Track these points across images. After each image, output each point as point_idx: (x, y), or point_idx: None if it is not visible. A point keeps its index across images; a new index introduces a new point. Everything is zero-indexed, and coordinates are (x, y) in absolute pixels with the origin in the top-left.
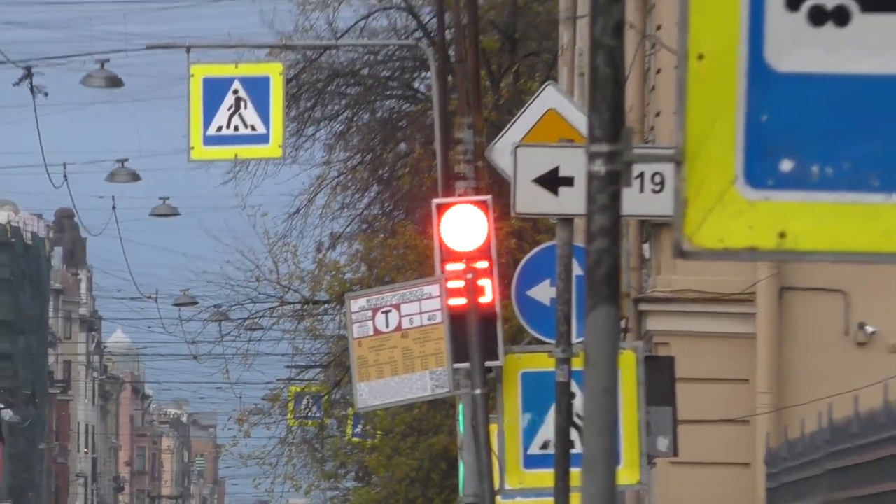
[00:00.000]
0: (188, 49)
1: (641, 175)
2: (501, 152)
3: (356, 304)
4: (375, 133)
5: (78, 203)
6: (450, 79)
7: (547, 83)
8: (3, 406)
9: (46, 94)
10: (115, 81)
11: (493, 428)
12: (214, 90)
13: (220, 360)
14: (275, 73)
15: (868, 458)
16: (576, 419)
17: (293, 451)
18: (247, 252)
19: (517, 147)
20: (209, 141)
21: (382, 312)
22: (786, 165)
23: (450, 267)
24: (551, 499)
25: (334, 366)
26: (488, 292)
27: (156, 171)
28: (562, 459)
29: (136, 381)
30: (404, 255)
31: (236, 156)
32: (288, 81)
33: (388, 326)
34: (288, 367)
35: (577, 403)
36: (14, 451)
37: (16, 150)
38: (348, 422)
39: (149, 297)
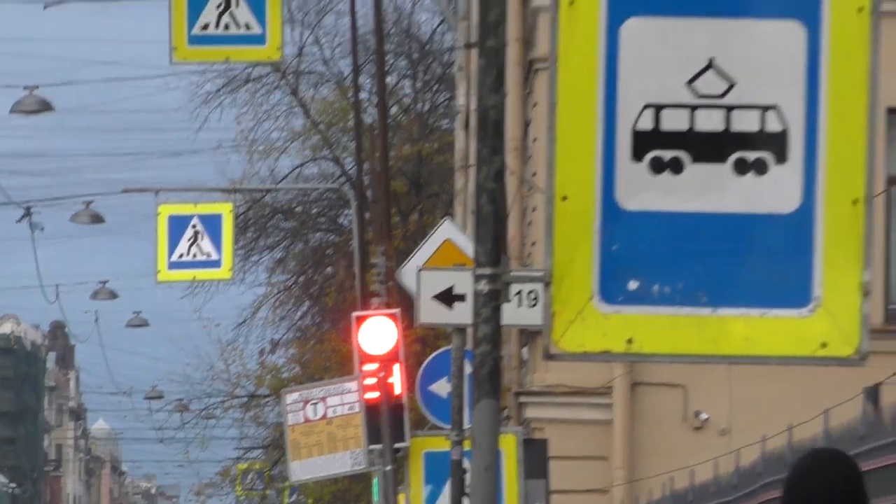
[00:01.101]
0: (157, 192)
1: (520, 292)
2: (408, 275)
3: (290, 397)
4: (307, 259)
5: (68, 316)
6: (367, 215)
7: (444, 219)
8: (14, 484)
9: (42, 229)
10: (97, 218)
11: (401, 497)
12: (177, 225)
13: (182, 443)
14: (226, 210)
15: None
16: (467, 490)
17: None
18: (203, 355)
19: (420, 270)
20: (173, 266)
21: (312, 404)
22: (632, 285)
23: (366, 367)
24: None
25: (273, 447)
26: (397, 387)
27: (130, 290)
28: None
29: (115, 461)
30: (330, 357)
31: (194, 277)
32: (237, 217)
33: (316, 415)
34: (236, 448)
35: (468, 478)
36: None
37: (17, 274)
38: (286, 492)
39: (125, 393)
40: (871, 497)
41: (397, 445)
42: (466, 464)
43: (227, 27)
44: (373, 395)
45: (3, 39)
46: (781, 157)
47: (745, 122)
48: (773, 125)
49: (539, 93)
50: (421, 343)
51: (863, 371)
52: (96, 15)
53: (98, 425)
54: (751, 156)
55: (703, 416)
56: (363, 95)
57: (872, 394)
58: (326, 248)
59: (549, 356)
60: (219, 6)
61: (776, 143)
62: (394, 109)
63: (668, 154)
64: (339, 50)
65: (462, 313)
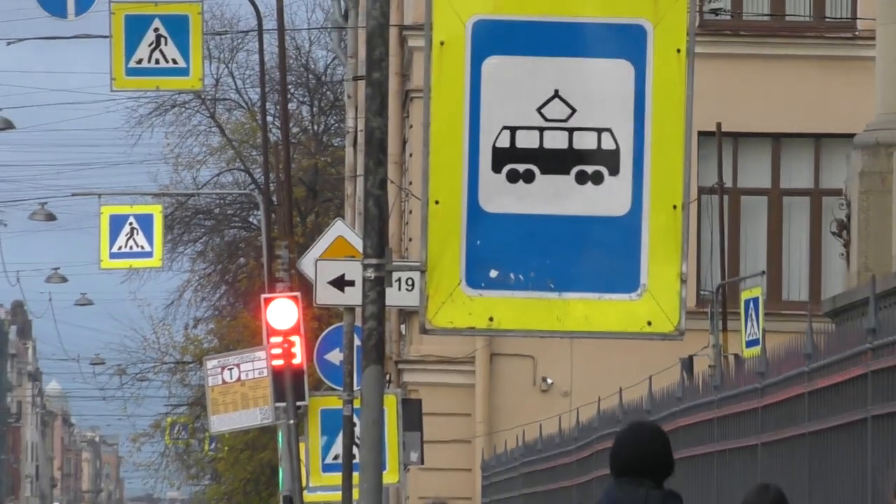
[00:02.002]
0: (100, 196)
1: (400, 279)
2: (307, 264)
3: (210, 363)
4: (223, 251)
5: (27, 296)
6: (273, 216)
7: (336, 219)
8: None
9: (6, 225)
10: (51, 217)
11: (302, 446)
12: (116, 223)
13: (121, 400)
14: (157, 211)
15: (548, 466)
16: (356, 440)
17: (169, 461)
18: (138, 329)
19: (317, 261)
20: (113, 256)
21: (228, 369)
22: (493, 273)
23: (273, 339)
24: (339, 492)
25: (196, 404)
26: (298, 356)
27: (78, 276)
28: (347, 467)
29: (65, 415)
30: (242, 332)
31: (130, 266)
32: (165, 216)
33: (231, 378)
34: (166, 405)
35: (357, 430)
36: None
37: None
38: (206, 441)
39: (73, 359)
40: (689, 445)
41: (298, 403)
42: (356, 418)
43: (157, 62)
44: (278, 362)
45: None
46: (614, 171)
47: (585, 142)
48: (607, 144)
49: (415, 117)
50: (318, 320)
51: (680, 345)
52: (50, 49)
53: (51, 386)
54: (589, 169)
55: (549, 381)
56: (269, 118)
57: (687, 364)
58: (239, 243)
59: (424, 331)
60: (150, 45)
61: (610, 159)
62: (294, 130)
63: (521, 167)
64: (248, 81)
65: (352, 296)
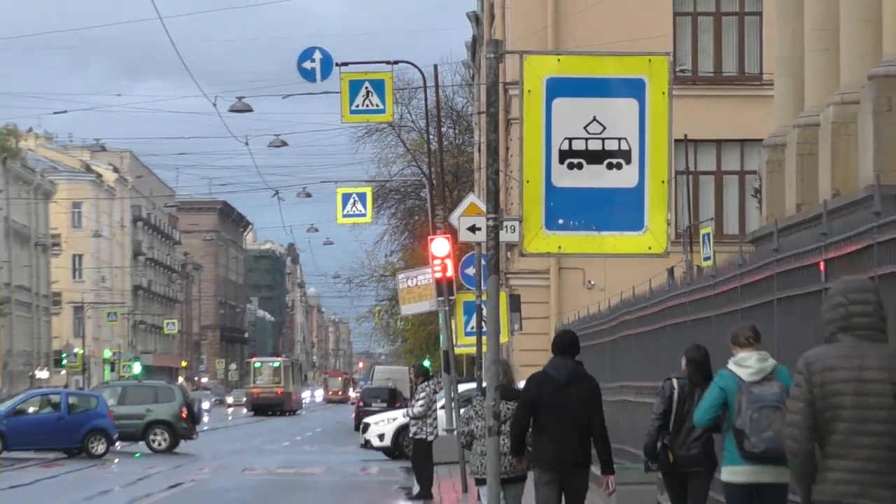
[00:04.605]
0: (336, 182)
1: (507, 226)
2: (454, 219)
3: (401, 275)
4: (406, 212)
5: (296, 240)
6: (433, 192)
7: (469, 193)
8: (272, 318)
9: (283, 199)
10: (308, 195)
11: (452, 322)
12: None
13: (349, 298)
14: (368, 191)
15: (591, 331)
16: (484, 318)
17: (378, 331)
18: (359, 257)
19: (459, 217)
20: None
21: (411, 278)
22: (560, 221)
23: (435, 262)
24: (474, 348)
25: (392, 299)
26: (449, 271)
27: (324, 228)
28: (478, 333)
29: (318, 307)
30: (417, 258)
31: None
32: (373, 193)
33: (412, 284)
34: (375, 300)
35: (484, 313)
36: None
37: None
38: (398, 320)
39: (322, 275)
40: (670, 318)
41: (450, 298)
42: (483, 307)
43: (367, 105)
44: (438, 274)
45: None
46: (628, 161)
47: (611, 146)
48: (624, 147)
49: (513, 133)
50: (460, 251)
51: (666, 260)
52: (301, 100)
53: (311, 291)
54: (614, 161)
55: (592, 282)
56: (431, 137)
57: (670, 271)
58: (415, 208)
59: (523, 254)
60: (363, 96)
61: (626, 155)
62: (445, 143)
63: (575, 160)
64: (418, 115)
65: (480, 236)
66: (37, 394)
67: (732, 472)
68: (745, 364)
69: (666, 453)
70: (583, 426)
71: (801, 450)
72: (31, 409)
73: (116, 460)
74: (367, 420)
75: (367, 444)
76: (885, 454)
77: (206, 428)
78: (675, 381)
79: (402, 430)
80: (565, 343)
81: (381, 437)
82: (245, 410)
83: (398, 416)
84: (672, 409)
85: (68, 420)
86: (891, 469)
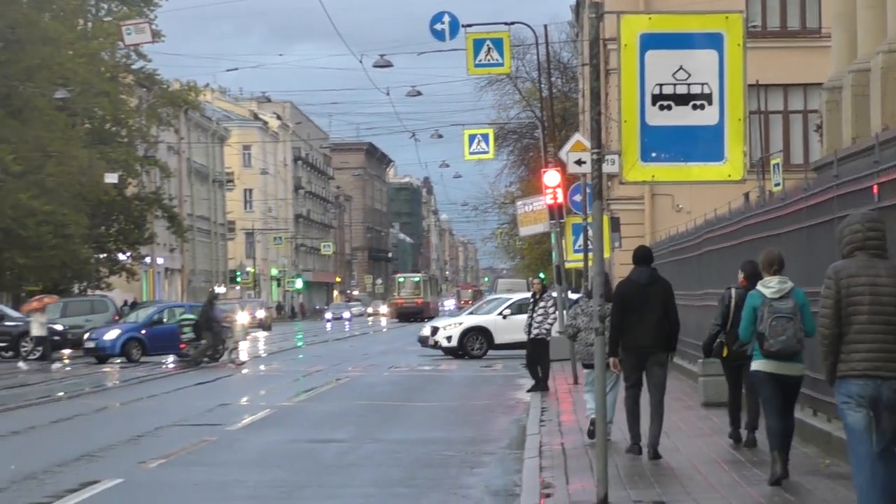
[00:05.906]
0: (463, 126)
1: (608, 159)
2: (563, 153)
3: (519, 202)
4: (523, 149)
5: (431, 174)
6: (545, 132)
7: (576, 132)
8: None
9: (419, 140)
10: (440, 136)
11: (563, 241)
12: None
13: (475, 223)
14: (490, 132)
15: (679, 248)
16: (590, 237)
17: (499, 249)
18: (482, 186)
19: (568, 152)
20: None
21: (528, 204)
22: (653, 154)
23: (547, 190)
24: (581, 263)
25: (511, 223)
26: (559, 198)
27: (454, 164)
28: (584, 248)
29: (450, 230)
30: (532, 188)
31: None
32: (495, 133)
33: (528, 209)
34: (497, 224)
35: (589, 233)
36: None
37: None
38: (516, 239)
39: (453, 203)
40: (748, 235)
41: (561, 220)
42: (589, 229)
43: (488, 59)
44: (550, 200)
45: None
46: (710, 103)
47: (695, 90)
48: (706, 91)
49: (612, 82)
50: (568, 180)
51: (744, 186)
52: (433, 56)
53: (443, 216)
54: (698, 102)
55: (680, 206)
56: (542, 85)
57: (746, 196)
58: (530, 145)
59: (622, 182)
60: (485, 52)
61: (708, 98)
62: (554, 91)
63: (665, 102)
64: (531, 67)
65: (585, 168)
66: (167, 306)
67: (757, 364)
68: (769, 285)
69: (721, 348)
70: (660, 318)
71: (830, 334)
72: (164, 320)
73: (262, 366)
74: (435, 324)
75: (436, 345)
76: (894, 338)
77: (356, 333)
78: (732, 291)
79: (466, 333)
80: (643, 255)
81: (449, 339)
82: (383, 321)
83: (464, 321)
84: (730, 314)
85: None
86: None
